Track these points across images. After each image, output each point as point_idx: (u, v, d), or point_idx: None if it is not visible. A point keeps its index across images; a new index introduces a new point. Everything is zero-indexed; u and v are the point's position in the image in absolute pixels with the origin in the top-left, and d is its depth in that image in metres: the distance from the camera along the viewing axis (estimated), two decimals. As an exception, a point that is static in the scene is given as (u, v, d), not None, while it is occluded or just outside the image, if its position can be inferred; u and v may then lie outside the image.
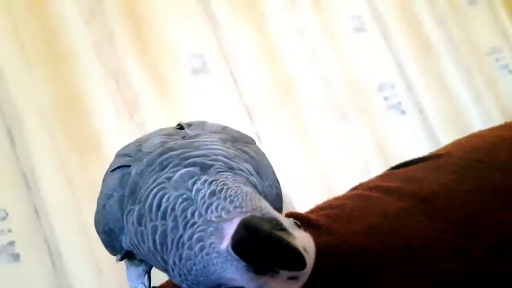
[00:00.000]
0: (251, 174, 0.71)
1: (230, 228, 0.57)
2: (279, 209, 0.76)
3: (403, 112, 1.54)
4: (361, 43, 1.54)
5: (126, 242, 0.69)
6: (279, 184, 0.80)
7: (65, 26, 1.26)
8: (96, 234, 0.75)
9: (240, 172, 0.69)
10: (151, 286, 0.84)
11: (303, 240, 0.57)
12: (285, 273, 0.56)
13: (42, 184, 1.14)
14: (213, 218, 0.58)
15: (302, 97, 1.45)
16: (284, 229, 0.57)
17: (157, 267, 0.70)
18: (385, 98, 1.53)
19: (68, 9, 1.27)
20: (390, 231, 0.88)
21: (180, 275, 0.62)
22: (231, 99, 1.35)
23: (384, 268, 0.81)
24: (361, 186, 1.12)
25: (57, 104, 1.20)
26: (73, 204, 1.13)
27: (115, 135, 1.19)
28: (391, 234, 0.88)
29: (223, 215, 0.58)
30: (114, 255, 0.76)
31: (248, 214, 0.57)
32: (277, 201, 0.75)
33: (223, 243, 0.57)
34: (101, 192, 0.74)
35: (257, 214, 0.58)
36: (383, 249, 0.84)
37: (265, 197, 0.72)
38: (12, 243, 1.07)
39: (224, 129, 0.82)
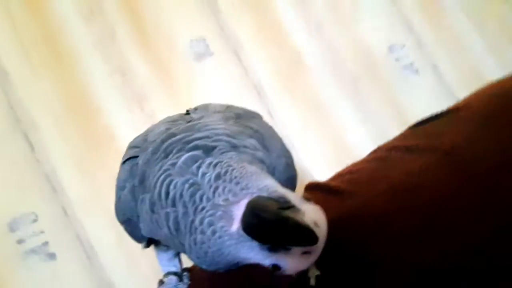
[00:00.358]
0: (257, 149, 0.71)
1: (239, 210, 0.57)
2: (291, 178, 0.76)
3: (417, 71, 1.49)
4: (365, 6, 1.50)
5: (144, 229, 0.71)
6: (289, 153, 0.79)
7: (65, 26, 1.26)
8: None
9: (245, 149, 0.69)
10: (183, 267, 0.85)
11: (312, 215, 0.58)
12: (297, 249, 0.57)
13: (65, 184, 1.16)
14: (221, 202, 0.59)
15: (311, 69, 1.42)
16: (292, 206, 0.57)
17: (178, 250, 0.71)
18: (397, 60, 1.49)
19: (67, 9, 1.28)
20: (413, 189, 0.86)
21: (198, 257, 0.64)
22: (239, 79, 1.34)
23: (411, 226, 0.79)
24: (379, 149, 1.09)
25: (68, 105, 1.22)
26: (97, 199, 1.15)
27: (127, 128, 1.20)
28: (415, 191, 0.85)
29: (231, 198, 0.59)
30: (139, 243, 0.78)
31: (254, 195, 0.58)
32: (288, 170, 0.75)
33: (233, 225, 0.57)
34: (116, 186, 0.76)
35: (264, 194, 0.58)
36: (408, 208, 0.82)
37: (274, 169, 0.72)
38: (46, 243, 1.10)
39: (228, 107, 0.82)
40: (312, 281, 0.69)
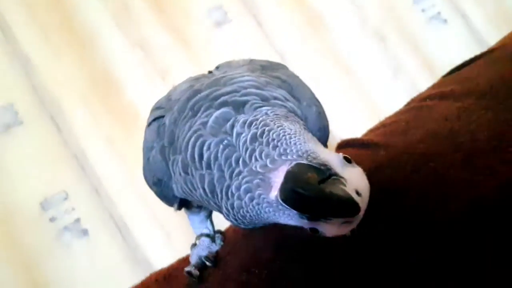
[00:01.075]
0: (287, 100, 0.67)
1: (277, 177, 0.55)
2: (324, 127, 0.72)
3: (445, 21, 1.42)
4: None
5: (178, 190, 0.69)
6: (319, 102, 0.75)
7: (81, 7, 1.25)
8: (156, 199, 0.75)
9: (275, 101, 0.66)
10: (215, 229, 0.84)
11: (355, 181, 0.55)
12: (338, 219, 0.54)
13: (94, 162, 1.16)
14: (258, 169, 0.57)
15: (334, 29, 1.37)
16: (333, 175, 0.54)
17: (214, 210, 0.69)
18: (423, 10, 1.42)
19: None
20: (453, 132, 0.81)
21: (236, 220, 0.62)
22: (259, 43, 1.30)
23: (450, 168, 0.74)
24: (412, 101, 1.04)
25: (91, 83, 1.21)
26: (126, 174, 1.15)
27: (151, 101, 1.18)
28: (454, 134, 0.81)
29: (269, 165, 0.56)
30: (171, 205, 0.76)
31: (294, 163, 0.55)
32: (320, 120, 0.71)
33: (271, 192, 0.55)
34: (143, 149, 0.74)
35: (304, 161, 0.55)
36: (447, 150, 0.78)
37: (306, 120, 0.68)
38: (78, 220, 1.11)
39: (252, 61, 0.78)
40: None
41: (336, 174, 0.55)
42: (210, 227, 0.83)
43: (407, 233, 0.68)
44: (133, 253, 1.10)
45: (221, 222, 0.79)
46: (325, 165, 0.55)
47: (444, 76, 1.09)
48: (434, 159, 0.76)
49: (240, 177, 0.58)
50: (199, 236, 0.82)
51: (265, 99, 0.65)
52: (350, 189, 0.54)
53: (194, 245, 0.81)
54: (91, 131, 1.19)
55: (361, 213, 0.55)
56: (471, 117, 0.83)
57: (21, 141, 1.15)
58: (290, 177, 0.54)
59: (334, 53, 1.36)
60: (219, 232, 0.84)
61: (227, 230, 0.85)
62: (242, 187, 0.58)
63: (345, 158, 0.58)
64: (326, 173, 0.55)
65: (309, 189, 0.52)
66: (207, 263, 0.74)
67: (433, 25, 1.40)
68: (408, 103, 1.05)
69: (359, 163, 0.83)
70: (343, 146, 0.96)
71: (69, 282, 1.07)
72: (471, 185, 0.71)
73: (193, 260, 0.76)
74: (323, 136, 0.71)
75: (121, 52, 1.25)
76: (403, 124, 0.91)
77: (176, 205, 0.75)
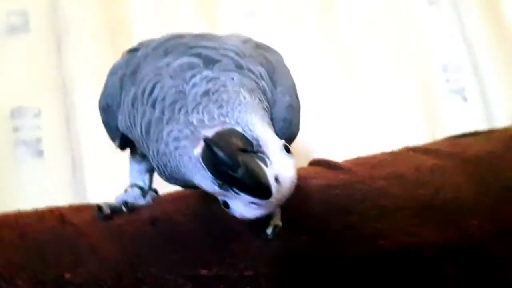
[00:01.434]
0: (262, 78, 0.66)
1: (208, 135, 0.54)
2: (289, 121, 0.70)
3: (465, 99, 1.39)
4: (432, 16, 1.41)
5: (121, 123, 0.68)
6: (297, 99, 0.74)
7: None
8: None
9: (249, 73, 0.65)
10: (152, 186, 0.81)
11: (278, 168, 0.53)
12: (246, 197, 0.52)
13: (77, 93, 1.15)
14: (195, 122, 0.56)
15: (364, 71, 1.34)
16: (260, 152, 0.53)
17: (144, 152, 0.68)
18: (447, 81, 1.40)
19: None
20: (419, 182, 0.79)
21: (158, 167, 0.61)
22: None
23: (398, 211, 0.71)
24: (402, 148, 1.02)
25: (105, 22, 1.21)
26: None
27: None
28: (419, 184, 0.78)
29: (206, 121, 0.55)
30: (113, 140, 0.75)
31: (228, 126, 0.55)
32: (288, 112, 0.69)
33: (196, 148, 0.54)
34: (108, 73, 0.74)
35: (239, 128, 0.55)
36: (405, 195, 0.75)
37: (274, 104, 0.67)
38: (39, 140, 1.10)
39: (250, 39, 0.78)
40: (269, 231, 0.63)
41: (263, 153, 0.53)
42: (147, 182, 0.81)
43: (328, 253, 0.65)
44: (78, 182, 1.08)
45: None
46: (257, 140, 0.54)
47: (448, 138, 1.08)
48: (387, 197, 0.73)
49: (175, 124, 0.57)
50: (132, 185, 0.80)
51: (239, 67, 0.64)
52: (269, 171, 0.52)
53: (125, 191, 0.79)
54: (89, 64, 1.17)
55: (276, 201, 0.53)
56: (443, 175, 0.80)
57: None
58: (215, 136, 0.53)
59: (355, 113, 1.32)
60: (154, 190, 0.81)
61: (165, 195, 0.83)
62: (173, 134, 0.57)
63: (285, 146, 0.56)
64: (253, 147, 0.53)
65: (224, 151, 0.51)
66: (123, 207, 0.71)
67: (453, 98, 1.38)
68: (398, 149, 1.03)
69: (315, 178, 0.82)
70: (313, 164, 0.95)
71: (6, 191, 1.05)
72: (410, 233, 0.67)
73: (114, 201, 0.74)
74: (285, 129, 0.68)
75: None
76: (377, 161, 0.89)
77: (117, 141, 0.74)
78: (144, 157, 0.78)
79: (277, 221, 0.65)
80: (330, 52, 1.34)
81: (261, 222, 0.64)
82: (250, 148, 0.53)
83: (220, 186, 0.53)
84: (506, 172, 0.79)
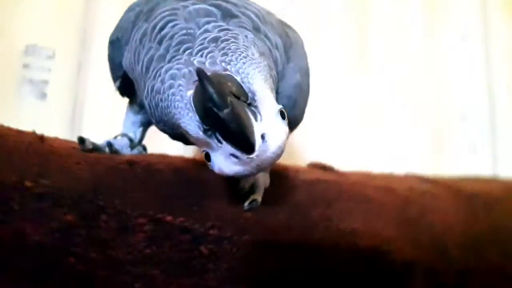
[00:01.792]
0: (277, 48, 0.65)
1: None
2: (294, 99, 0.68)
3: (474, 150, 1.36)
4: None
5: (125, 60, 0.67)
6: (308, 83, 0.72)
7: None
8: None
9: (265, 38, 0.63)
10: (143, 143, 0.80)
11: (267, 127, 0.51)
12: (228, 148, 0.50)
13: (95, 42, 1.13)
14: (195, 62, 0.54)
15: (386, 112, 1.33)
16: (252, 105, 0.51)
17: (140, 95, 0.66)
18: (462, 128, 1.37)
19: None
20: (409, 199, 0.77)
21: (150, 107, 0.59)
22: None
23: (383, 219, 0.68)
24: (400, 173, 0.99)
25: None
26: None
27: None
28: (408, 201, 0.76)
29: (207, 64, 0.54)
30: (114, 79, 0.74)
31: (227, 73, 0.53)
32: (294, 89, 0.67)
33: (190, 89, 0.53)
34: (129, 6, 0.72)
35: (238, 77, 0.53)
36: (390, 206, 0.73)
37: (283, 78, 0.65)
38: (46, 82, 1.09)
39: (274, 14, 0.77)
40: (246, 204, 0.61)
41: (256, 108, 0.52)
42: (139, 135, 0.79)
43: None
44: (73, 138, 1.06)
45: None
46: (253, 93, 0.52)
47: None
48: (373, 204, 0.71)
49: (176, 62, 0.56)
50: (123, 135, 0.78)
51: (256, 29, 0.63)
52: (257, 126, 0.50)
53: (114, 137, 0.77)
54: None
55: (255, 157, 0.49)
56: (434, 200, 0.78)
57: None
58: (211, 78, 0.50)
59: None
60: (143, 147, 0.79)
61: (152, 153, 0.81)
62: (170, 71, 0.56)
63: (281, 111, 0.54)
64: (247, 99, 0.52)
65: (214, 86, 0.48)
66: (106, 148, 0.69)
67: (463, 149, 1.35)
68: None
69: (307, 173, 0.80)
70: (313, 166, 0.93)
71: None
72: (385, 240, 0.64)
73: (101, 140, 0.72)
74: (289, 107, 0.66)
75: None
76: (371, 175, 0.87)
77: (118, 82, 0.72)
78: (141, 109, 0.76)
79: (257, 196, 0.63)
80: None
81: (240, 191, 0.62)
82: (244, 98, 0.51)
83: (204, 132, 0.51)
84: (499, 214, 0.76)
